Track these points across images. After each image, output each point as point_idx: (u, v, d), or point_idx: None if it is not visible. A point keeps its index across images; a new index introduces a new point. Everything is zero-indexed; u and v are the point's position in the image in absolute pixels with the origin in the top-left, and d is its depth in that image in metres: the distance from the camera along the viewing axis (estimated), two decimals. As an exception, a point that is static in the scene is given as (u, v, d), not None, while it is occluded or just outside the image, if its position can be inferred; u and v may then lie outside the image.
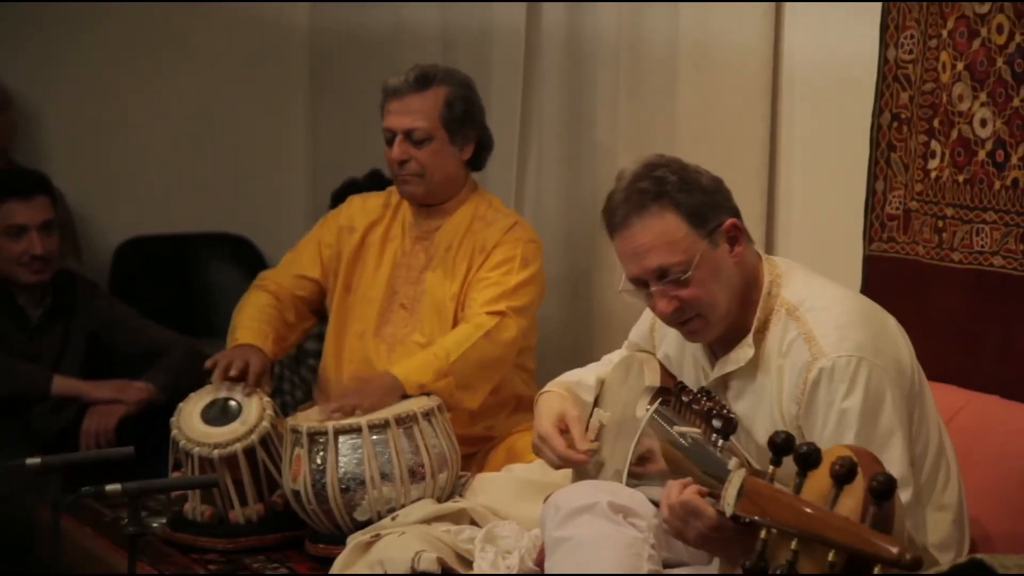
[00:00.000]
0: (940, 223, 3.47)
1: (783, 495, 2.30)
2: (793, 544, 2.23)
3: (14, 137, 5.42)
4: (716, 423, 2.71)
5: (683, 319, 2.85)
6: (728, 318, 2.86)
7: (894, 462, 2.66)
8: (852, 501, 2.21)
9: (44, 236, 4.51)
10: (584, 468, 3.18)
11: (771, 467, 2.37)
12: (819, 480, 2.26)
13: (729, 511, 2.47)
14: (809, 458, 2.27)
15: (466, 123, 4.02)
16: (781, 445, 2.34)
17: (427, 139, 3.98)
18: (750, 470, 2.50)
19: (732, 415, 2.74)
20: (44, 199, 4.56)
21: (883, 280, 3.59)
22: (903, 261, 3.56)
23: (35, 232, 4.49)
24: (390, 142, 4.00)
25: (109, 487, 2.75)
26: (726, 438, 2.70)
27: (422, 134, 3.97)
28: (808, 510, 2.23)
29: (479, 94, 4.09)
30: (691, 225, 2.81)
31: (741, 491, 2.45)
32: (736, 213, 2.88)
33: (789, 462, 2.37)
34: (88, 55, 5.67)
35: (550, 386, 3.26)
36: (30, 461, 2.87)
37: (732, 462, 2.53)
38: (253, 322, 4.03)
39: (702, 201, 2.83)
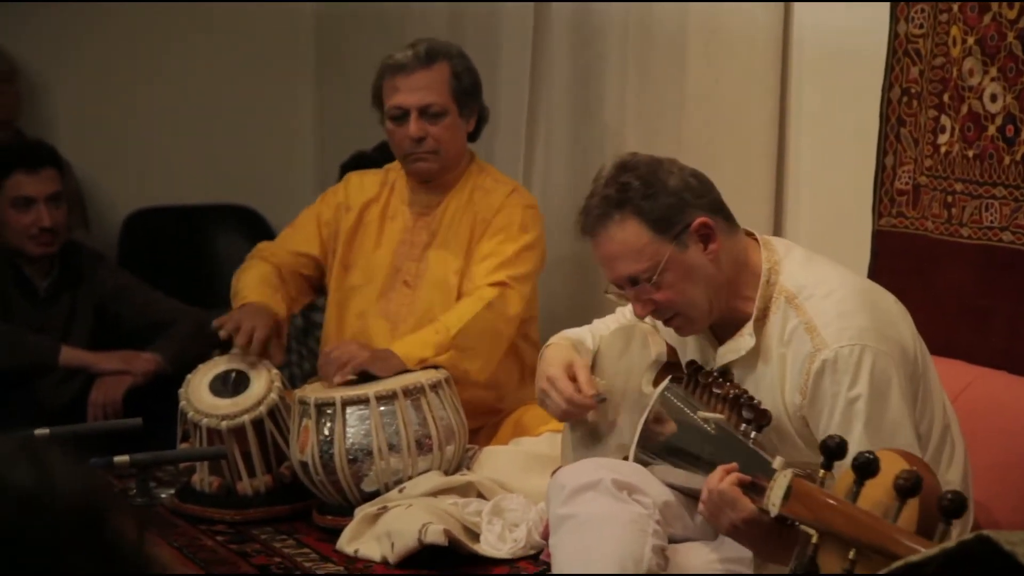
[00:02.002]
0: (949, 198, 3.46)
1: (839, 502, 2.23)
2: (851, 554, 2.17)
3: (21, 109, 5.42)
4: (747, 413, 2.65)
5: (663, 319, 2.89)
6: (714, 313, 2.85)
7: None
8: (908, 512, 2.15)
9: (52, 208, 4.50)
10: (582, 437, 3.17)
11: (822, 471, 2.30)
12: (875, 489, 2.20)
13: (775, 511, 2.41)
14: (868, 467, 2.20)
15: (472, 95, 4.00)
16: (835, 450, 2.28)
17: (442, 113, 3.94)
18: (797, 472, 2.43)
19: (764, 407, 2.69)
20: (52, 171, 4.55)
21: (892, 255, 3.58)
22: (912, 236, 3.55)
23: (43, 204, 4.48)
24: (399, 120, 3.95)
25: (117, 458, 2.75)
26: (759, 430, 2.63)
27: (438, 108, 3.93)
28: (870, 522, 2.16)
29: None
30: (654, 231, 2.81)
31: (789, 492, 2.38)
32: (713, 208, 2.85)
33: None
34: (97, 27, 5.65)
35: (554, 339, 3.25)
36: (39, 432, 2.87)
37: (777, 460, 2.46)
38: (258, 284, 3.97)
39: (666, 205, 2.81)
